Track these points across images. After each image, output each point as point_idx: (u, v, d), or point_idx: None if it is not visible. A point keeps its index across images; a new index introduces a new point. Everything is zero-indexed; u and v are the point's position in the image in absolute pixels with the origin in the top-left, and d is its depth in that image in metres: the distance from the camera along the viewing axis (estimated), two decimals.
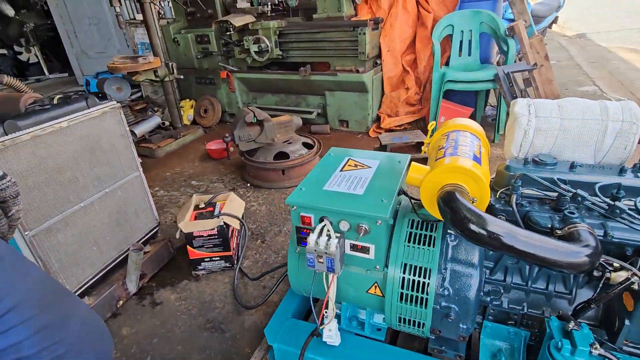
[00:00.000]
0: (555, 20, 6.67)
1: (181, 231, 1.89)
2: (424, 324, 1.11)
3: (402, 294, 1.09)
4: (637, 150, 1.01)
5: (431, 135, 1.23)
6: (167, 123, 4.04)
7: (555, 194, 0.97)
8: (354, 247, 1.09)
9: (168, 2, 4.75)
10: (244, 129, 2.85)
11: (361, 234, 1.02)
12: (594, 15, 10.48)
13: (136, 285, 1.91)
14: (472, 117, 3.62)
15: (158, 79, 3.70)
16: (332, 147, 1.47)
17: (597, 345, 0.83)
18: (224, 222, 1.92)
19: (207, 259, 2.00)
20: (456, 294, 1.05)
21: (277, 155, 2.91)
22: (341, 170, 1.25)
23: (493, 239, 0.79)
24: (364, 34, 3.35)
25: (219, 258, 2.01)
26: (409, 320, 1.13)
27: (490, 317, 1.14)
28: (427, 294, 1.06)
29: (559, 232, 0.89)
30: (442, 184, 0.95)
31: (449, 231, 1.10)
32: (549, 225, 0.93)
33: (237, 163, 3.35)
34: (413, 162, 1.00)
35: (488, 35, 3.51)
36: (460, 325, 1.06)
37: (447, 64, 3.57)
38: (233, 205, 2.11)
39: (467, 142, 1.06)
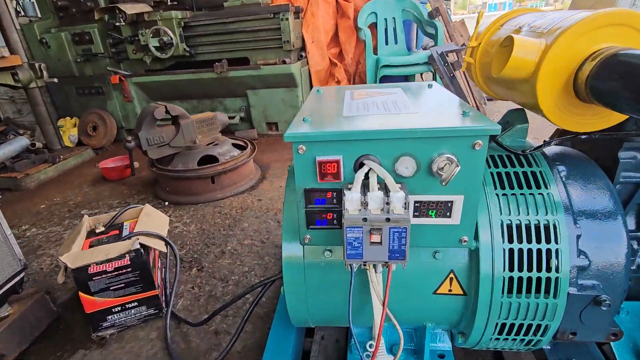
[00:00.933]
0: None
1: (66, 268, 1.15)
2: (547, 326, 0.64)
3: (511, 279, 0.62)
4: None
5: (477, 38, 0.81)
6: (38, 144, 3.04)
7: None
8: (422, 209, 0.59)
9: None
10: (153, 129, 2.15)
11: (452, 171, 0.52)
12: None
13: None
14: None
15: (19, 85, 2.75)
16: (317, 86, 0.96)
17: None
18: (139, 244, 1.23)
19: (116, 309, 1.27)
20: (600, 263, 0.61)
21: (202, 161, 2.27)
22: (353, 99, 0.75)
23: None
24: (287, 19, 2.96)
25: (136, 303, 1.29)
26: (520, 327, 0.65)
27: None
28: (557, 270, 0.60)
29: None
30: (585, 54, 0.52)
31: (556, 163, 0.67)
32: None
33: (145, 180, 2.59)
34: (515, 35, 0.56)
35: (409, 23, 3.43)
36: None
37: (374, 54, 3.37)
38: (152, 221, 1.43)
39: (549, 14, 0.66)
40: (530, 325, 0.64)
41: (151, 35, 3.02)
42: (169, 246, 1.45)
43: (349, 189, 0.54)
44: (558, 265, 0.60)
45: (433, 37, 3.18)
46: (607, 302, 0.59)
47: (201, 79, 3.21)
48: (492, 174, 0.66)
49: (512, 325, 0.65)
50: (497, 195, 0.63)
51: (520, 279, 0.61)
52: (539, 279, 0.61)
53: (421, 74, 3.79)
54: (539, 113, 0.60)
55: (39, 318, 1.32)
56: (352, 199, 0.52)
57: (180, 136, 2.24)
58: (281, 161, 2.75)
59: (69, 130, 3.46)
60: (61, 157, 2.99)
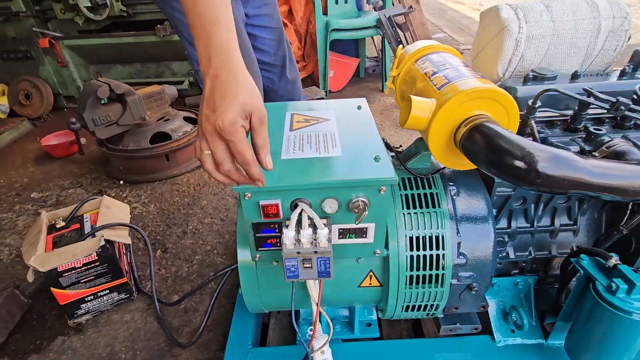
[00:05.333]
0: None
1: (36, 271, 1.24)
2: (437, 305, 0.88)
3: (411, 277, 0.83)
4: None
5: (397, 66, 0.94)
6: None
7: (567, 113, 0.82)
8: (345, 233, 0.76)
9: None
10: (98, 109, 2.11)
11: (362, 213, 0.69)
12: None
13: None
14: (358, 68, 3.53)
15: None
16: None
17: None
18: (104, 240, 1.33)
19: (89, 297, 1.39)
20: (474, 260, 0.84)
21: (154, 138, 2.28)
22: (292, 130, 0.87)
23: (574, 180, 0.57)
24: None
25: (107, 291, 1.42)
26: (419, 306, 0.88)
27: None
28: (443, 268, 0.82)
29: (595, 154, 0.73)
30: (462, 118, 0.68)
31: (450, 183, 0.86)
32: (577, 150, 0.77)
33: (96, 157, 2.56)
34: (413, 97, 0.70)
35: None
36: (482, 294, 0.86)
37: (324, 13, 3.33)
38: (112, 212, 1.50)
39: (459, 62, 0.80)
40: (426, 305, 0.87)
41: None
42: (134, 232, 1.55)
43: (287, 226, 0.69)
44: (444, 265, 0.81)
45: None
46: (476, 288, 0.83)
47: (143, 42, 3.04)
48: (401, 195, 0.84)
49: (414, 305, 0.87)
50: (403, 214, 0.82)
51: (417, 276, 0.82)
52: (431, 275, 0.82)
53: (372, 37, 3.81)
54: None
55: (11, 312, 1.41)
56: (288, 237, 0.67)
57: (128, 114, 2.21)
58: None
59: None
60: None
